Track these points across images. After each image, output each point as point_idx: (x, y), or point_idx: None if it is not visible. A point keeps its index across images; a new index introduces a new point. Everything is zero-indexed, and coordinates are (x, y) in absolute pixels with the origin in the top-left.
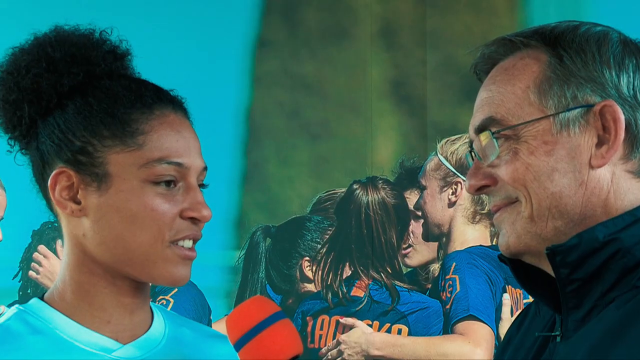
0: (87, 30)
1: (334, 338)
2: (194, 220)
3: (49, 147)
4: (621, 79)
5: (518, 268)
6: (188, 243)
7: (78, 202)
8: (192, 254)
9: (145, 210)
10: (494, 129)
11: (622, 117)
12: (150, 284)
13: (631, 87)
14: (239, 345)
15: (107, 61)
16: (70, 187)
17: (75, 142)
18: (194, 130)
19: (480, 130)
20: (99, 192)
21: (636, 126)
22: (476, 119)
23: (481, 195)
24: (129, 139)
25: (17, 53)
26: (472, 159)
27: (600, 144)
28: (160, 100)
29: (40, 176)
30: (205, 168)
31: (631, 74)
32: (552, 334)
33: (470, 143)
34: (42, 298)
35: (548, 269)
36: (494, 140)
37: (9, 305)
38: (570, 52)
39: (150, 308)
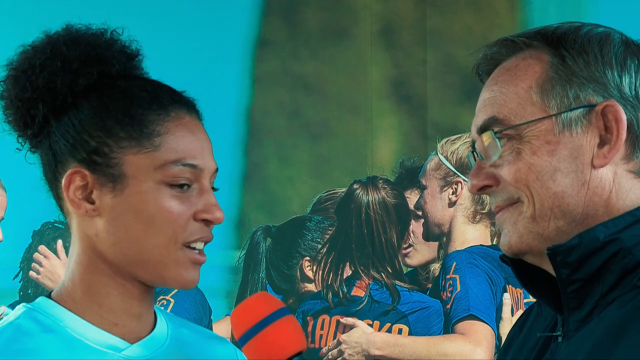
0: (99, 29)
1: (334, 338)
2: (206, 222)
3: (63, 147)
4: (623, 79)
5: (520, 268)
6: (200, 245)
7: (92, 202)
8: (202, 258)
9: (162, 211)
10: (496, 129)
11: (624, 117)
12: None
13: (633, 87)
14: (243, 341)
15: (120, 61)
16: (84, 187)
17: (91, 142)
18: (206, 132)
19: (482, 130)
20: (113, 192)
21: (638, 126)
22: (479, 119)
23: (482, 195)
24: (145, 141)
25: (30, 51)
26: (475, 159)
27: (602, 144)
28: (175, 101)
29: (52, 175)
30: (217, 170)
31: (633, 75)
32: (554, 334)
33: (473, 143)
34: (49, 297)
35: (549, 269)
36: (497, 140)
37: (10, 306)
38: (573, 52)
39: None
